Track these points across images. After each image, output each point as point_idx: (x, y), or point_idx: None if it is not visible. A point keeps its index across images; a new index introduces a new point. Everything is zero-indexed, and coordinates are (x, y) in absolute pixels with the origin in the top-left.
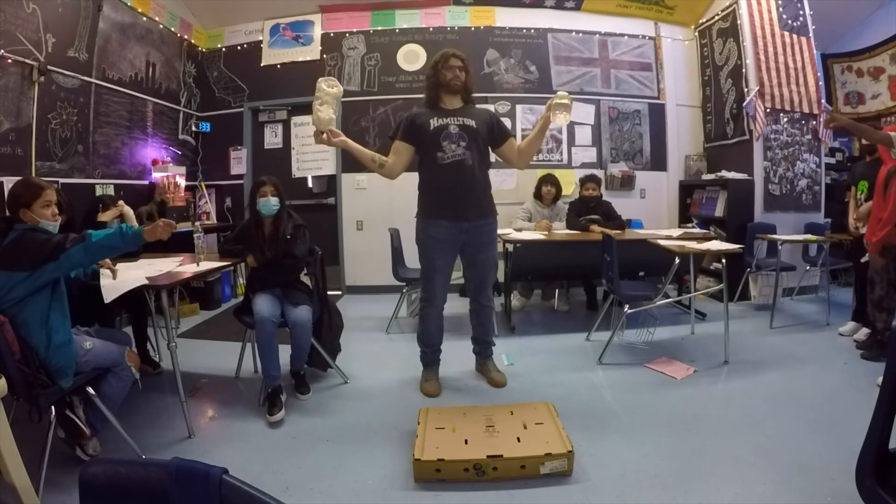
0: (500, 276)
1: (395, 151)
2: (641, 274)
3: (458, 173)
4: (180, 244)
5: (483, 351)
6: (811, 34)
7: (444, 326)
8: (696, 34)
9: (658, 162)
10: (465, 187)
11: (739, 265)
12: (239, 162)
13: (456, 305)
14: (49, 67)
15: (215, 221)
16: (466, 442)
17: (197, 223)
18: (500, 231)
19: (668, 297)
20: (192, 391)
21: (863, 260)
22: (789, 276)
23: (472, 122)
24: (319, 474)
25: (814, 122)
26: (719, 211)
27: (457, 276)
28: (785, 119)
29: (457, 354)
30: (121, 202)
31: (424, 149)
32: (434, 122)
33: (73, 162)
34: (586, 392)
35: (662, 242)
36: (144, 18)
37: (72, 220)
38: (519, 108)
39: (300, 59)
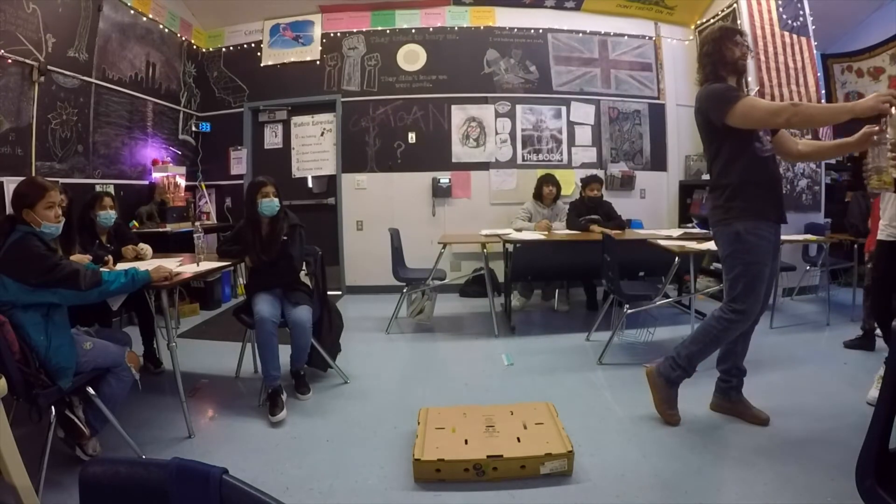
0: (501, 277)
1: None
2: (641, 274)
3: (776, 169)
4: (180, 244)
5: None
6: (811, 34)
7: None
8: (696, 34)
9: (658, 162)
10: (780, 185)
11: None
12: (239, 162)
13: (456, 306)
14: (49, 67)
15: (215, 221)
16: (466, 442)
17: (197, 223)
18: (499, 231)
19: (668, 297)
20: (192, 391)
21: None
22: (789, 276)
23: None
24: (319, 474)
25: None
26: None
27: (457, 277)
28: None
29: (455, 354)
30: (141, 244)
31: (741, 135)
32: None
33: (73, 162)
34: (586, 392)
35: (662, 242)
36: (144, 18)
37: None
38: (519, 108)
39: (300, 60)
